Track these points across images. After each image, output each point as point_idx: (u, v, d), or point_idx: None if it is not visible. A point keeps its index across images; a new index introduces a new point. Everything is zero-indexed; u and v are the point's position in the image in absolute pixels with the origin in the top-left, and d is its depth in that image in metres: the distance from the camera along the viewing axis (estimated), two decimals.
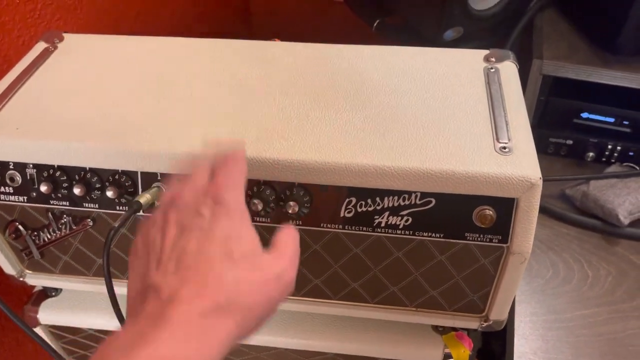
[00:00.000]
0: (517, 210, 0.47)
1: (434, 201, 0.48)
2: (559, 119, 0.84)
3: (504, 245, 0.49)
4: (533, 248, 0.75)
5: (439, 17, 0.81)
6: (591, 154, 0.83)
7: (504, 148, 0.47)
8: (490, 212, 0.47)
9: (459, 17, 0.81)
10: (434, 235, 0.49)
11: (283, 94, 0.54)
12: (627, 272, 0.71)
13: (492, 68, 0.57)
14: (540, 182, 0.45)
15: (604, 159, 0.84)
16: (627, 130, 0.82)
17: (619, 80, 0.76)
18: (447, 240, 0.49)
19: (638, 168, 0.81)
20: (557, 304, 0.68)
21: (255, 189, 0.49)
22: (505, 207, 0.47)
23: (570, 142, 0.85)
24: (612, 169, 0.82)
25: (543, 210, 0.78)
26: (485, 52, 0.59)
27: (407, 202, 0.48)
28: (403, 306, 0.56)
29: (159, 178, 0.50)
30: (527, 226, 0.47)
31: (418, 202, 0.48)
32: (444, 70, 0.56)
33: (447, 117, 0.51)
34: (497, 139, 0.48)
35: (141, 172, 0.50)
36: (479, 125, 0.50)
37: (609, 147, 0.83)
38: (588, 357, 0.63)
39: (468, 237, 0.49)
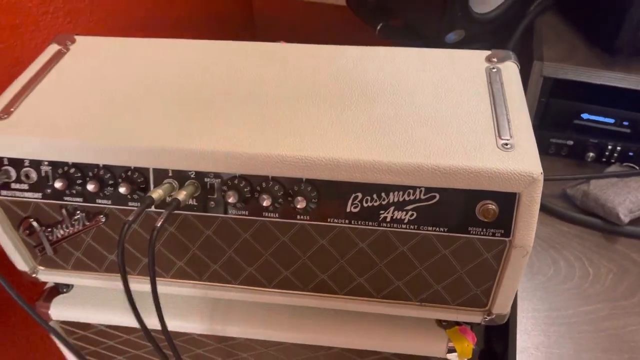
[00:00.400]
0: (519, 205, 0.48)
1: (438, 196, 0.49)
2: (560, 120, 0.86)
3: (507, 239, 0.50)
4: (535, 246, 0.76)
5: (441, 20, 0.83)
6: (591, 154, 0.85)
7: (506, 144, 0.49)
8: (493, 207, 0.48)
9: (461, 20, 0.83)
10: (438, 229, 0.50)
11: (290, 93, 0.55)
12: (628, 270, 0.72)
13: (493, 68, 0.58)
14: (541, 177, 0.46)
15: (604, 159, 0.85)
16: (627, 130, 0.84)
17: (618, 81, 0.78)
18: (450, 234, 0.51)
19: (638, 168, 0.82)
20: (558, 300, 0.69)
21: (264, 184, 0.50)
22: (508, 202, 0.48)
23: (571, 142, 0.86)
24: (612, 169, 0.83)
25: (545, 209, 0.80)
26: (487, 52, 0.60)
27: (411, 197, 0.49)
28: (408, 301, 0.57)
29: (170, 174, 0.51)
30: (529, 220, 0.48)
31: (422, 197, 0.49)
32: (447, 70, 0.58)
33: (450, 115, 0.52)
34: (499, 136, 0.49)
35: (153, 169, 0.51)
36: (482, 123, 0.51)
37: (609, 147, 0.84)
38: (590, 352, 0.64)
39: (471, 232, 0.50)
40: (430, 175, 0.47)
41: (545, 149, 0.87)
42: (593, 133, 0.85)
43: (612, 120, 0.84)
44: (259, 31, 1.45)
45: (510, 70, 0.58)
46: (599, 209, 0.76)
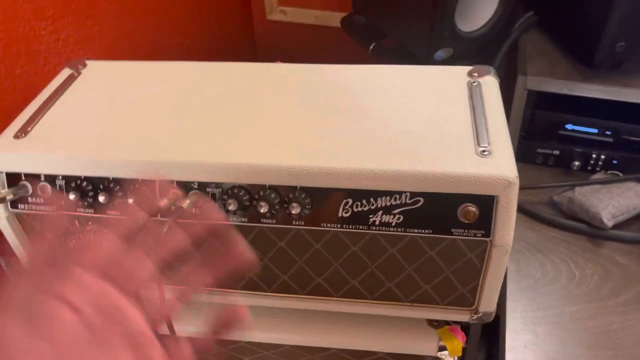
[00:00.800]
0: (498, 207, 0.52)
1: (422, 200, 0.53)
2: (545, 131, 0.90)
3: (487, 239, 0.54)
4: (523, 250, 0.79)
5: (430, 39, 0.87)
6: (577, 163, 0.88)
7: (484, 151, 0.53)
8: (473, 209, 0.52)
9: (448, 39, 0.87)
10: (423, 231, 0.54)
11: (286, 108, 0.60)
12: (611, 272, 0.75)
13: (474, 82, 0.62)
14: (517, 181, 0.50)
15: (589, 168, 0.89)
16: (610, 140, 0.88)
17: (597, 93, 0.82)
18: (435, 235, 0.54)
19: (622, 175, 0.86)
20: (546, 301, 0.72)
21: (261, 193, 0.55)
22: (487, 204, 0.52)
23: (557, 152, 0.90)
24: (597, 176, 0.87)
25: (532, 215, 0.83)
26: (469, 68, 0.64)
27: (398, 202, 0.53)
28: (399, 301, 0.61)
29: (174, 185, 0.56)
30: (507, 221, 0.52)
31: (408, 201, 0.53)
32: (431, 84, 0.62)
33: (433, 125, 0.56)
34: (478, 144, 0.53)
35: (159, 181, 0.56)
36: (462, 132, 0.55)
37: (594, 156, 0.88)
38: (576, 349, 0.67)
39: (454, 233, 0.54)
40: (415, 180, 0.51)
41: (532, 159, 0.91)
42: (578, 143, 0.89)
43: (595, 130, 0.88)
44: (260, 53, 1.50)
45: (490, 83, 0.62)
46: (583, 214, 0.80)
